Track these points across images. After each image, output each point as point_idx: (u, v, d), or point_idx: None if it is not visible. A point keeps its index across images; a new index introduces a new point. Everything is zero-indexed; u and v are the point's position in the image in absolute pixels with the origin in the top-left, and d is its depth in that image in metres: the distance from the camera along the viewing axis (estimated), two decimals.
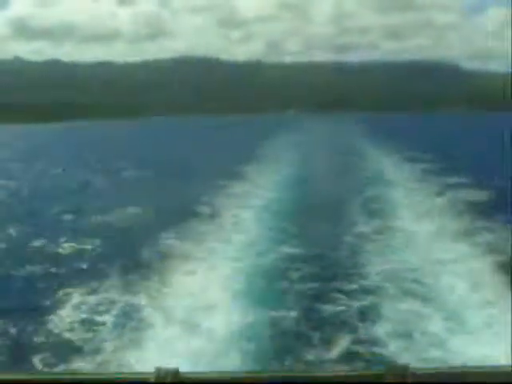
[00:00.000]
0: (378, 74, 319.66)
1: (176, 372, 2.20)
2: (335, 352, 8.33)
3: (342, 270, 12.20)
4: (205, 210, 18.88)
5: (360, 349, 8.54)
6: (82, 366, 7.77)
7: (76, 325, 9.41)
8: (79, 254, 14.19)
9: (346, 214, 18.17)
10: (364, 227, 16.17)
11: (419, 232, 15.36)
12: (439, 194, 21.63)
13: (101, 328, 9.20)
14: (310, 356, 8.31)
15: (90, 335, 9.01)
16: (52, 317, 9.79)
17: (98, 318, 9.64)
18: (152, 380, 2.15)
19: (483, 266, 11.86)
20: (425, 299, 10.27)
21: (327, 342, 8.65)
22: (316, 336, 8.92)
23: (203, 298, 10.22)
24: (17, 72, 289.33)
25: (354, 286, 11.09)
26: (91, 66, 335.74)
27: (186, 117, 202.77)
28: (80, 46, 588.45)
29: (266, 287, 11.05)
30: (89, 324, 9.46)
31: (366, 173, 29.02)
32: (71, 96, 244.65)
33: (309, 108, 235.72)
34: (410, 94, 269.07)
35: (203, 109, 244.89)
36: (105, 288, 11.03)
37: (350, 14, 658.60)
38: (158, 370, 2.19)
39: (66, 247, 14.89)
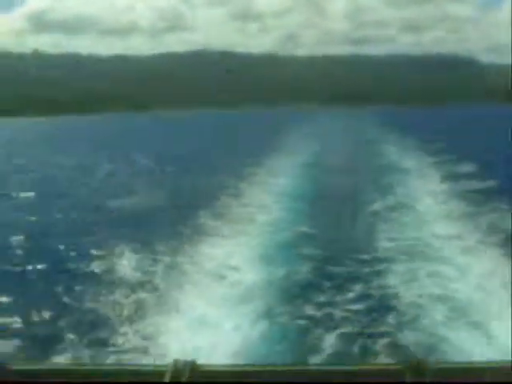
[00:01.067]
0: (394, 67, 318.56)
1: (193, 363, 2.23)
2: (349, 295, 10.05)
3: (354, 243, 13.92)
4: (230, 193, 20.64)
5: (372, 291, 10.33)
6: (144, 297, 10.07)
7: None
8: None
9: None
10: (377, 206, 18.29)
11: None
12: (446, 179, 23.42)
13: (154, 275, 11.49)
14: (322, 298, 10.06)
15: (147, 278, 11.36)
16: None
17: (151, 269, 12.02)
18: (169, 371, 2.18)
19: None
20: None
21: (339, 288, 10.44)
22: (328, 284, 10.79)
23: (230, 260, 12.24)
24: (37, 66, 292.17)
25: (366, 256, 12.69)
26: (109, 59, 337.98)
27: (206, 109, 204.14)
28: (98, 39, 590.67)
29: (285, 254, 12.82)
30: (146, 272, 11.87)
31: (381, 160, 30.59)
32: (91, 89, 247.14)
33: (326, 101, 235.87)
34: (428, 87, 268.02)
35: (221, 102, 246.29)
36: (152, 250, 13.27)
37: (365, 8, 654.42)
38: (176, 361, 2.22)
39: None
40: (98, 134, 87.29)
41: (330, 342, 8.53)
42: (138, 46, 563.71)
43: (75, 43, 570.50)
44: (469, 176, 24.01)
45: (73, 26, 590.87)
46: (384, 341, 8.49)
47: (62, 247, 14.99)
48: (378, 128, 62.59)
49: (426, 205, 18.08)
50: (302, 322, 9.26)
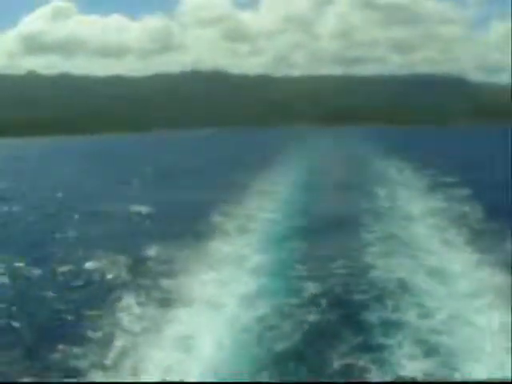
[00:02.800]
0: (387, 87, 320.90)
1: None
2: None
3: None
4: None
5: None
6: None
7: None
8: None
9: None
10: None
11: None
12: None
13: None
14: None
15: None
16: None
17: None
18: None
19: None
20: None
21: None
22: None
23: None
24: (30, 87, 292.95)
25: None
26: (102, 80, 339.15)
27: (198, 130, 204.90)
28: (90, 60, 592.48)
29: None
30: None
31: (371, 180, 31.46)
32: (82, 109, 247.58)
33: (318, 121, 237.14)
34: (419, 107, 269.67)
35: (214, 122, 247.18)
36: None
37: (355, 28, 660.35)
38: (163, 381, 2.45)
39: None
40: (96, 153, 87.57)
41: (314, 360, 8.80)
42: (130, 67, 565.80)
43: (69, 64, 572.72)
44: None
45: (66, 48, 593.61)
46: (374, 357, 8.75)
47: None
48: (370, 149, 63.26)
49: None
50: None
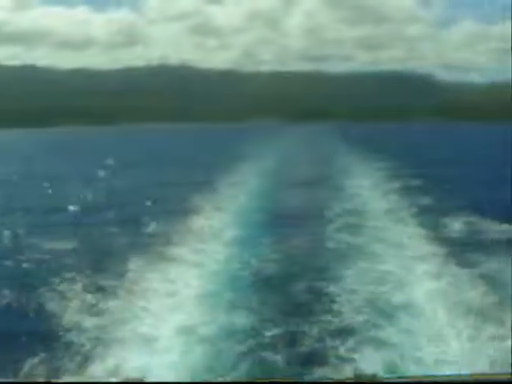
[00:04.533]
0: (354, 84, 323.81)
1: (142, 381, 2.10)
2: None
3: None
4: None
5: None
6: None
7: None
8: None
9: None
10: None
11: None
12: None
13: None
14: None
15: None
16: None
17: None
18: None
19: None
20: None
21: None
22: None
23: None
24: None
25: None
26: (67, 72, 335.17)
27: (167, 124, 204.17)
28: (55, 52, 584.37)
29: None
30: None
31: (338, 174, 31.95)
32: (46, 101, 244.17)
33: (287, 117, 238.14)
34: (386, 104, 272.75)
35: (181, 116, 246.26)
36: None
37: (323, 25, 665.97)
38: (127, 379, 2.12)
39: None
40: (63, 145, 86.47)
41: (281, 356, 8.69)
42: (96, 60, 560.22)
43: (33, 55, 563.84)
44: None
45: (30, 39, 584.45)
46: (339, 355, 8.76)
47: None
48: (338, 145, 63.74)
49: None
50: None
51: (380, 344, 9.00)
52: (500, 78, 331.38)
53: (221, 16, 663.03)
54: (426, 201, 22.34)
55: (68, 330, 9.56)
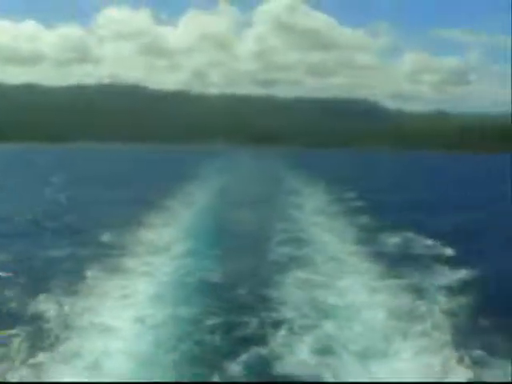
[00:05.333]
0: (303, 109, 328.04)
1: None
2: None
3: None
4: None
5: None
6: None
7: None
8: None
9: None
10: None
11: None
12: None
13: None
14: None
15: None
16: None
17: None
18: None
19: None
20: None
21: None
22: None
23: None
24: None
25: None
26: (14, 88, 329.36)
27: (114, 144, 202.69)
28: (2, 67, 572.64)
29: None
30: None
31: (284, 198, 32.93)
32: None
33: (236, 141, 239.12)
34: (334, 130, 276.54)
35: (131, 136, 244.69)
36: None
37: (273, 50, 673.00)
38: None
39: None
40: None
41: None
42: (45, 76, 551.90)
43: None
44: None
45: None
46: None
47: None
48: (285, 169, 65.15)
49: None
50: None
51: (312, 334, 10.14)
52: (441, 107, 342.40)
53: (172, 37, 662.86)
54: (364, 220, 24.09)
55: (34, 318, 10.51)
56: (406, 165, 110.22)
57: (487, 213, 29.54)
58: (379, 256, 16.72)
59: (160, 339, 9.85)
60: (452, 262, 16.11)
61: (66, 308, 11.24)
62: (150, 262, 15.37)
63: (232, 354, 9.29)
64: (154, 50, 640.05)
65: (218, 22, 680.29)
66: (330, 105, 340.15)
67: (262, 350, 9.56)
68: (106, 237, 18.86)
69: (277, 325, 10.71)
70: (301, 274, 14.35)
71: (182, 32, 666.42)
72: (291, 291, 12.92)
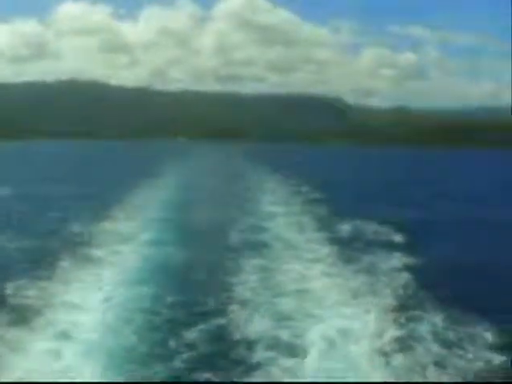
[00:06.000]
0: (264, 105, 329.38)
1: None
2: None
3: None
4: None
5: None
6: None
7: None
8: None
9: None
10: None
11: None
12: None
13: None
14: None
15: None
16: None
17: None
18: None
19: None
20: None
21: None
22: None
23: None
24: None
25: None
26: None
27: (75, 141, 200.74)
28: None
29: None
30: None
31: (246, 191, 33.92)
32: None
33: (197, 136, 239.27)
34: (295, 125, 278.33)
35: (90, 133, 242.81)
36: None
37: (234, 46, 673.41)
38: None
39: None
40: None
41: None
42: (1, 73, 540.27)
43: None
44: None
45: None
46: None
47: None
48: (246, 163, 66.17)
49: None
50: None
51: (271, 313, 11.12)
52: (400, 102, 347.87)
53: (131, 32, 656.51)
54: (320, 210, 25.59)
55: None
56: (363, 159, 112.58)
57: (430, 208, 31.17)
58: (333, 242, 18.06)
59: (124, 313, 11.00)
60: (400, 248, 17.50)
61: (39, 291, 12.18)
62: (117, 251, 16.27)
63: (190, 325, 10.45)
64: (114, 46, 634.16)
65: (178, 17, 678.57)
66: (292, 100, 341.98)
67: (220, 321, 10.71)
68: (75, 228, 19.67)
69: (233, 302, 11.78)
70: (258, 260, 15.41)
71: (142, 28, 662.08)
72: (248, 275, 13.93)
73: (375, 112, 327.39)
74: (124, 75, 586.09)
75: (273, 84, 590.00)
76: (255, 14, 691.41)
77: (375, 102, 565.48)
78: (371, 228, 21.15)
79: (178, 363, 8.99)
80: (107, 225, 20.57)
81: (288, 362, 9.00)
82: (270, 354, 9.30)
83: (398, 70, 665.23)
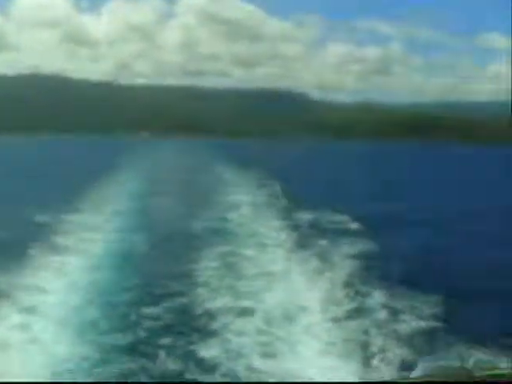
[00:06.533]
0: (230, 100, 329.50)
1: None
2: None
3: None
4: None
5: None
6: None
7: None
8: None
9: None
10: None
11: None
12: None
13: None
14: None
15: None
16: None
17: None
18: None
19: None
20: None
21: None
22: None
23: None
24: None
25: None
26: None
27: (39, 135, 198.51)
28: None
29: None
30: None
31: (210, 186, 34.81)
32: None
33: (161, 131, 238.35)
34: (261, 120, 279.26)
35: (54, 127, 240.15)
36: None
37: (199, 41, 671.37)
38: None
39: None
40: None
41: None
42: None
43: None
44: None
45: None
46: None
47: None
48: (210, 158, 66.82)
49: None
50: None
51: (232, 293, 12.08)
52: (365, 97, 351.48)
53: (94, 26, 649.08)
54: (283, 201, 26.97)
55: None
56: (327, 154, 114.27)
57: (386, 199, 32.84)
58: (294, 230, 19.32)
59: (88, 295, 11.94)
60: (354, 235, 18.79)
61: (8, 276, 12.66)
62: (84, 239, 17.08)
63: (152, 303, 11.40)
64: (76, 39, 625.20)
65: (142, 11, 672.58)
66: (257, 95, 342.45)
67: (182, 300, 11.62)
68: (42, 219, 20.21)
69: (196, 285, 12.69)
70: (222, 247, 16.34)
71: (105, 21, 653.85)
72: (211, 260, 14.85)
73: (340, 107, 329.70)
74: (87, 69, 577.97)
75: (238, 79, 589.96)
76: (220, 8, 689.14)
77: (341, 97, 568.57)
78: (327, 217, 22.35)
79: (140, 332, 9.96)
80: (73, 216, 21.12)
81: (241, 325, 10.20)
82: (226, 320, 10.41)
83: (363, 66, 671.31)
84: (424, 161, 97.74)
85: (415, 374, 8.17)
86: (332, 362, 8.99)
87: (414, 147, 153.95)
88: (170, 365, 8.73)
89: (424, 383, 3.89)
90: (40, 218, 20.51)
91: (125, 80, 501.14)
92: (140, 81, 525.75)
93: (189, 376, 8.41)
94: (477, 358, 8.86)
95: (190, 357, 8.99)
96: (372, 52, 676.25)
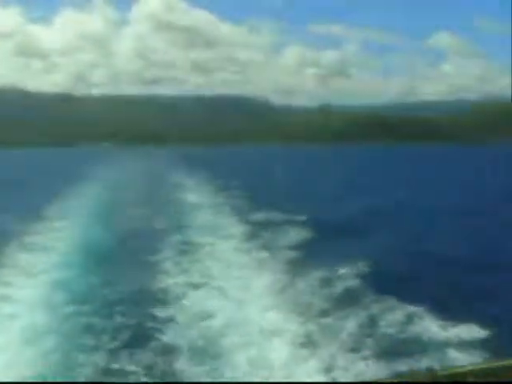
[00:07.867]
0: (187, 107, 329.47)
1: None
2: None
3: None
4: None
5: None
6: None
7: None
8: None
9: None
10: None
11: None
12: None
13: None
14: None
15: None
16: None
17: None
18: None
19: None
20: None
21: None
22: None
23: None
24: None
25: None
26: None
27: None
28: None
29: None
30: None
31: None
32: None
33: (122, 141, 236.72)
34: (220, 126, 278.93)
35: (11, 140, 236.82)
36: None
37: (153, 48, 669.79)
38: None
39: None
40: None
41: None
42: None
43: None
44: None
45: None
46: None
47: None
48: (170, 166, 67.96)
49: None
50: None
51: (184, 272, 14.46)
52: (323, 101, 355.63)
53: (46, 36, 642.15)
54: (240, 202, 29.30)
55: None
56: (285, 158, 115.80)
57: (334, 197, 35.50)
58: (247, 225, 21.74)
59: (60, 288, 13.57)
60: (299, 226, 21.33)
61: None
62: (52, 238, 19.00)
63: (115, 290, 13.26)
64: (29, 51, 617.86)
65: (94, 20, 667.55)
66: (216, 102, 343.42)
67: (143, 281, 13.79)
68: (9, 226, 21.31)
69: (157, 272, 14.72)
70: (179, 237, 18.87)
71: (57, 31, 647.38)
72: (170, 250, 17.12)
73: (299, 111, 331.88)
74: (42, 80, 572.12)
75: (196, 86, 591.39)
76: (172, 15, 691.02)
77: (300, 101, 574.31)
78: (279, 217, 24.31)
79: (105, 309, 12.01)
80: (40, 224, 22.33)
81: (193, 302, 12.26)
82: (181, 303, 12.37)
83: (321, 69, 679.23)
84: (384, 162, 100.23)
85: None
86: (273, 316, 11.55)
87: (375, 149, 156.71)
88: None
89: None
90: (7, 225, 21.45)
91: (81, 90, 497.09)
92: (97, 91, 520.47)
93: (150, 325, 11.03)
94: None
95: (147, 317, 11.39)
96: (329, 55, 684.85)
